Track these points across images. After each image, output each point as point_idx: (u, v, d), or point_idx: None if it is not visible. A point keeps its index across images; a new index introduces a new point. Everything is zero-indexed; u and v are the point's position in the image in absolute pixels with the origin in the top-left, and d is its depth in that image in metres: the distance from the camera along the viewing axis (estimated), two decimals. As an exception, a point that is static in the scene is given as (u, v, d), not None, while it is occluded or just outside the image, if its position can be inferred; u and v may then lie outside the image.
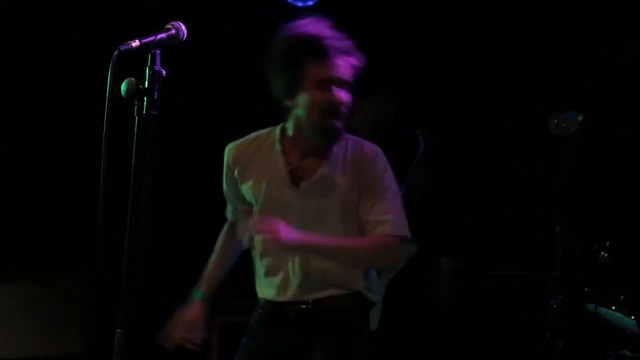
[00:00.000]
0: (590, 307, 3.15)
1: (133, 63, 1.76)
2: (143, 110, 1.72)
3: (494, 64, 4.22)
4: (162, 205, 3.11)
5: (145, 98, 1.72)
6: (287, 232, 2.23)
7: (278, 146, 2.40)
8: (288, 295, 2.38)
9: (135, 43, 1.72)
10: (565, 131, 3.16)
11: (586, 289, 3.14)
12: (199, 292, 2.55)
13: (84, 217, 3.21)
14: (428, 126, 3.79)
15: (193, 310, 2.51)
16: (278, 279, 2.39)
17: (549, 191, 3.44)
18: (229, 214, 2.62)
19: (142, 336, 1.78)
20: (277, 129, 2.45)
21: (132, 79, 1.72)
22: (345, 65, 2.31)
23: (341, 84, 2.32)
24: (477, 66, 4.24)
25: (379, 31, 4.38)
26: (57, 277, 3.90)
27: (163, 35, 1.78)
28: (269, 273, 2.42)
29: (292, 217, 2.32)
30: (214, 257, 2.59)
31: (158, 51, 1.76)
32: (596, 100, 3.05)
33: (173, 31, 1.81)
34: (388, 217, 2.35)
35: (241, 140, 2.50)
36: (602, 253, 3.05)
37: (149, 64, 1.74)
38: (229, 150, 2.49)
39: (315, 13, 4.44)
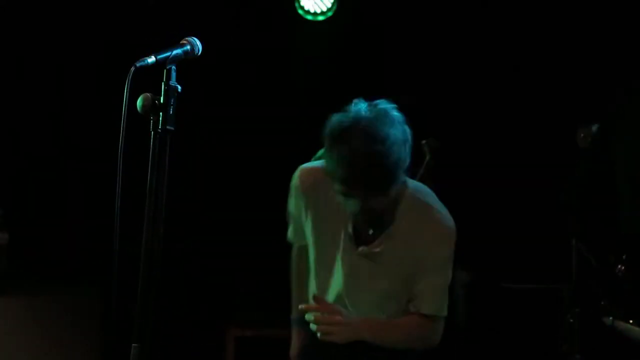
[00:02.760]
0: (607, 320, 3.12)
1: (146, 77, 1.77)
2: (159, 126, 1.73)
3: (504, 74, 4.21)
4: (179, 219, 3.12)
5: (160, 113, 1.73)
6: (343, 330, 2.18)
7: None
8: None
9: (151, 59, 1.73)
10: (591, 143, 3.20)
11: (602, 302, 3.12)
12: (298, 318, 2.45)
13: (100, 231, 3.22)
14: (435, 136, 3.77)
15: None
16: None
17: (564, 203, 3.42)
18: (291, 237, 2.47)
19: (158, 350, 1.78)
20: None
21: (148, 94, 1.73)
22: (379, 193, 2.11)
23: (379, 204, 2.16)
24: (490, 75, 4.24)
25: (388, 41, 4.38)
26: (73, 291, 3.90)
27: (178, 50, 1.79)
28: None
29: (339, 272, 2.28)
30: (298, 282, 2.48)
31: (173, 66, 1.76)
32: (612, 111, 3.05)
33: (188, 47, 1.81)
34: (437, 304, 2.27)
35: (317, 166, 2.27)
36: (619, 266, 3.03)
37: (164, 80, 1.75)
38: (305, 175, 2.32)
39: (327, 26, 4.48)
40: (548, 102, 4.09)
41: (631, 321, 3.04)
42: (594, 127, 3.21)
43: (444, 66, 4.30)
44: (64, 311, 3.80)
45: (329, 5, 4.43)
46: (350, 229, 2.24)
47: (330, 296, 2.34)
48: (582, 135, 3.21)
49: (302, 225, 2.36)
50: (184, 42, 1.81)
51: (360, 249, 2.25)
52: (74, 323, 3.83)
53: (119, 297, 2.04)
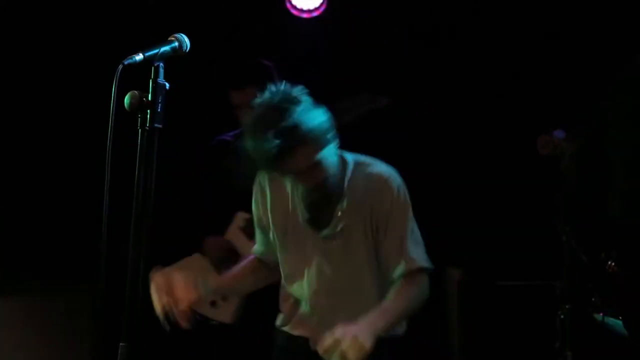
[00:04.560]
0: (598, 316, 3.13)
1: (135, 74, 1.76)
2: (147, 123, 1.72)
3: (497, 70, 4.21)
4: (167, 217, 3.11)
5: (148, 111, 1.72)
6: (362, 339, 2.06)
7: (293, 183, 2.29)
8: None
9: (139, 56, 1.72)
10: (553, 150, 3.15)
11: (593, 299, 3.12)
12: (207, 284, 2.38)
13: (89, 229, 3.21)
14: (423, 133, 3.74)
15: (191, 290, 2.26)
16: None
17: (556, 200, 3.43)
18: (258, 248, 2.48)
19: (148, 350, 1.77)
20: None
21: (136, 92, 1.72)
22: (298, 162, 2.16)
23: (306, 171, 2.21)
24: (481, 70, 4.23)
25: (379, 39, 4.38)
26: (61, 290, 3.89)
27: (166, 47, 1.78)
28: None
29: (317, 260, 2.30)
30: (235, 272, 2.48)
31: (161, 64, 1.76)
32: (601, 108, 3.02)
33: (176, 43, 1.81)
34: (412, 255, 2.29)
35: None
36: (609, 262, 3.03)
37: (152, 77, 1.74)
38: (260, 175, 2.38)
39: (319, 24, 4.47)
40: (538, 100, 4.10)
41: (621, 317, 3.05)
42: (558, 134, 3.17)
43: (433, 63, 4.30)
44: (53, 310, 3.78)
45: (318, 3, 4.42)
46: (306, 216, 2.29)
47: (306, 291, 2.34)
48: (543, 142, 3.17)
49: (263, 227, 2.41)
50: (172, 38, 1.81)
51: (324, 232, 2.28)
52: (63, 322, 3.82)
53: (108, 296, 2.03)
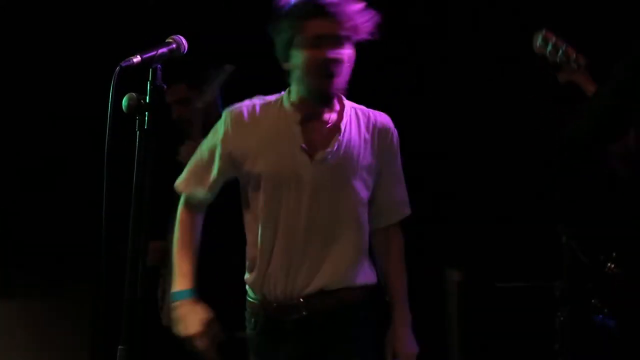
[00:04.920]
0: (597, 318, 3.12)
1: (133, 76, 1.76)
2: (145, 125, 1.72)
3: (500, 69, 4.20)
4: (166, 219, 3.10)
5: (146, 113, 1.72)
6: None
7: (290, 110, 2.27)
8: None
9: (137, 59, 1.72)
10: (549, 51, 2.93)
11: (593, 300, 3.12)
12: (190, 291, 2.29)
13: (88, 232, 3.20)
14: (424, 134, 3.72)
15: (202, 311, 2.24)
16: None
17: (556, 200, 3.42)
18: (196, 191, 2.35)
19: (147, 352, 1.77)
20: (285, 94, 2.32)
21: (134, 94, 1.72)
22: (341, 21, 2.20)
23: (335, 40, 2.20)
24: (482, 73, 4.23)
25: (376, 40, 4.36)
26: (60, 293, 3.89)
27: (164, 49, 1.78)
28: None
29: (303, 191, 2.22)
30: (185, 252, 2.33)
31: (159, 66, 1.75)
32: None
33: (174, 45, 1.81)
34: (406, 199, 2.40)
35: (245, 102, 2.33)
36: (609, 264, 3.02)
37: (150, 79, 1.74)
38: (231, 111, 2.31)
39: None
40: (540, 103, 4.08)
41: (617, 318, 3.04)
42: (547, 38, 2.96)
43: (429, 62, 4.29)
44: (53, 312, 3.78)
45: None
46: (302, 143, 2.23)
47: (288, 238, 2.23)
48: (540, 38, 2.96)
49: (228, 169, 2.30)
50: (170, 40, 1.81)
51: (318, 154, 2.23)
52: (62, 324, 3.82)
53: (107, 298, 2.03)
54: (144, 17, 4.23)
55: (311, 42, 2.19)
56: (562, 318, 3.29)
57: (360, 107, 2.37)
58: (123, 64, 1.70)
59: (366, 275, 2.31)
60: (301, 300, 2.22)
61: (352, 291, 2.25)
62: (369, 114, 2.35)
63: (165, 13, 4.25)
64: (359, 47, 2.29)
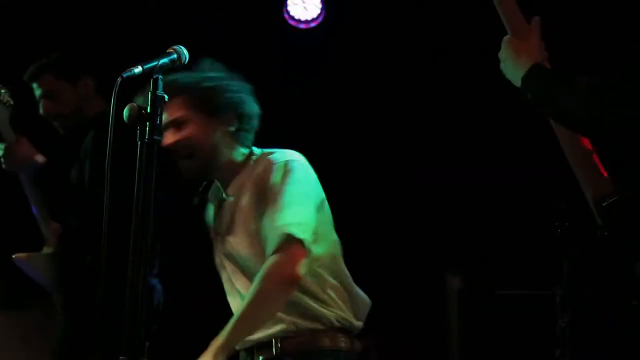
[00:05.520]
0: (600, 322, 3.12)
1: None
2: (146, 135, 1.72)
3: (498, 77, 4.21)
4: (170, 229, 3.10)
5: (147, 123, 1.72)
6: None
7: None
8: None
9: (138, 69, 1.72)
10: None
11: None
12: None
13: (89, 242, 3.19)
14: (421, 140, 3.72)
15: None
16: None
17: (557, 207, 3.42)
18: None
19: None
20: None
21: (135, 104, 1.72)
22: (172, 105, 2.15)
23: (170, 125, 2.21)
24: (485, 77, 4.22)
25: (377, 49, 4.38)
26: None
27: (165, 60, 1.78)
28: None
29: (226, 267, 2.29)
30: None
31: (160, 76, 1.76)
32: None
33: (175, 55, 1.81)
34: (284, 221, 2.09)
35: None
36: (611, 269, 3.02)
37: (151, 89, 1.75)
38: None
39: (317, 36, 4.47)
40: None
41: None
42: None
43: (430, 72, 4.30)
44: (54, 325, 3.76)
45: (316, 14, 4.43)
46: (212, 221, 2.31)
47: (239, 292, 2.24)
48: None
49: None
50: (171, 50, 1.81)
51: (219, 227, 2.28)
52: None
53: (106, 309, 2.02)
54: (144, 17, 4.21)
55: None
56: (563, 324, 3.29)
57: (259, 157, 2.27)
58: (124, 74, 1.70)
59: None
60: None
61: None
62: (256, 165, 2.25)
63: (165, 13, 4.23)
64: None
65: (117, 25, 4.25)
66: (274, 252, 2.08)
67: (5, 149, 2.99)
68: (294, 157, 2.23)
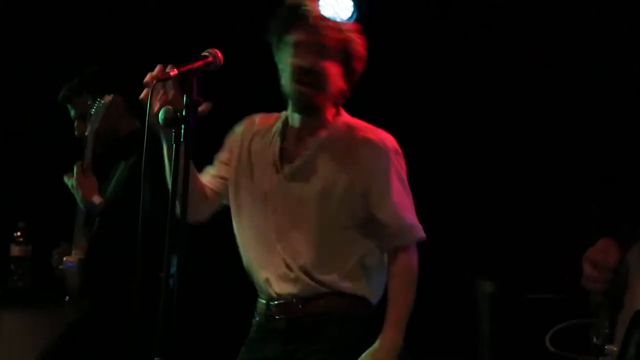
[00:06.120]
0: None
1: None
2: (180, 138, 1.74)
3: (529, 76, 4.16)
4: (201, 231, 3.11)
5: (182, 126, 1.74)
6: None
7: (279, 126, 2.31)
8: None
9: (173, 72, 1.74)
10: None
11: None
12: None
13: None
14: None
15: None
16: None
17: (592, 211, 3.38)
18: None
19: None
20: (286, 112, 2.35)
21: (170, 107, 1.75)
22: (324, 33, 2.21)
23: (315, 49, 2.21)
24: (513, 77, 4.18)
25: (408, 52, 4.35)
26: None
27: (200, 63, 1.80)
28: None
29: (272, 203, 2.24)
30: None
31: (195, 79, 1.77)
32: None
33: (210, 58, 1.82)
34: (407, 221, 2.25)
35: (261, 115, 2.41)
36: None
37: (186, 92, 1.76)
38: (245, 120, 2.40)
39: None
40: (574, 118, 4.02)
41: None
42: None
43: (454, 76, 4.26)
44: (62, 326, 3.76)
45: (349, 14, 4.41)
46: (277, 156, 2.26)
47: (260, 251, 2.25)
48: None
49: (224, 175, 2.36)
50: (206, 53, 1.83)
51: (286, 168, 2.25)
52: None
53: (143, 309, 2.03)
54: (144, 17, 4.21)
55: (292, 50, 2.22)
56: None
57: (356, 125, 2.31)
58: (160, 78, 1.72)
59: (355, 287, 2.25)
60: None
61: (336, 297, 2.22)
62: (357, 134, 2.27)
63: (165, 13, 4.22)
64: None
65: (117, 26, 4.25)
66: (407, 249, 2.26)
67: (76, 182, 3.05)
68: (396, 146, 2.30)
